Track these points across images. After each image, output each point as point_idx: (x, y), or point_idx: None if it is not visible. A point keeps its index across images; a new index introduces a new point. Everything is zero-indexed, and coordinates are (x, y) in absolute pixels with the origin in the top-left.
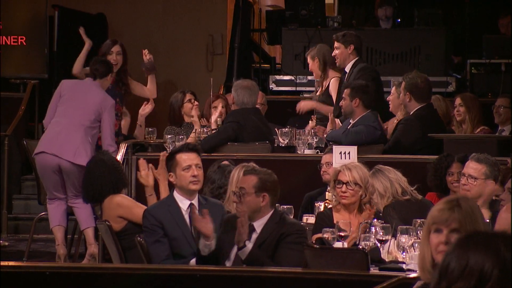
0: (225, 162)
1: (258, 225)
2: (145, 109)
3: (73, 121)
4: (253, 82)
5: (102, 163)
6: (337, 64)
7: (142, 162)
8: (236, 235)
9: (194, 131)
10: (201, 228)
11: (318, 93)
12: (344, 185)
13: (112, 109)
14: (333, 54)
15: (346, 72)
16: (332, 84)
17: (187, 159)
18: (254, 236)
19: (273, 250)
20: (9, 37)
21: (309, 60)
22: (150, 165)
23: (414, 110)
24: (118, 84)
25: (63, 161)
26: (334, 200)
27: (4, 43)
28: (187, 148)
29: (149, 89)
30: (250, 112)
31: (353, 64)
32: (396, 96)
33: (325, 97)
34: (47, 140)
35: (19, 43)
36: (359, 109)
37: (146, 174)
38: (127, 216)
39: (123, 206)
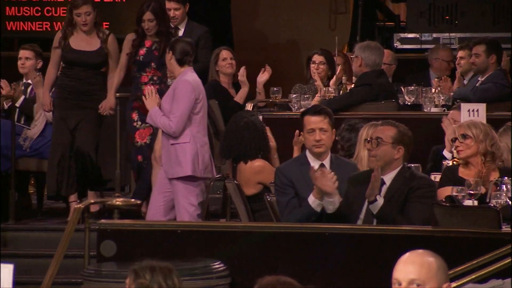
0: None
1: (388, 178)
2: (262, 76)
3: None
4: (377, 43)
5: (253, 126)
6: (173, 24)
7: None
8: (368, 189)
9: (318, 93)
10: (321, 186)
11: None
12: (457, 140)
13: None
14: (172, 14)
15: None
16: None
17: (311, 122)
18: (384, 189)
19: (402, 203)
20: None
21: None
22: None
23: None
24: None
25: None
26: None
27: None
28: (314, 111)
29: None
30: (379, 73)
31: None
32: None
33: None
34: None
35: None
36: (493, 66)
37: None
38: (265, 182)
39: (264, 172)
